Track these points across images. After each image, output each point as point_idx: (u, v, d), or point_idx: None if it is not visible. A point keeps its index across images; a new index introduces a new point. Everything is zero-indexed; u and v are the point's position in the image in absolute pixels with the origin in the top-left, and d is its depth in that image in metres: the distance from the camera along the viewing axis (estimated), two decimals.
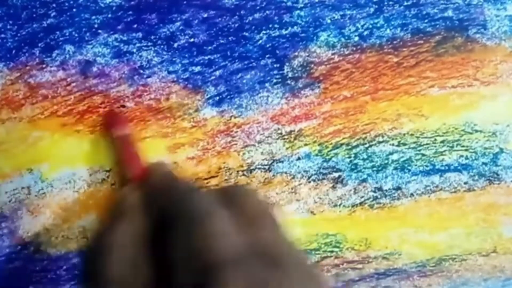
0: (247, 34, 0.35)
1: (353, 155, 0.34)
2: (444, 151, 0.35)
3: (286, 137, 0.34)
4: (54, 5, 0.34)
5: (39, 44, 0.34)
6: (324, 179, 0.34)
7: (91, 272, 0.25)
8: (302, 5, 0.35)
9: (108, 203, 0.31)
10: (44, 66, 0.34)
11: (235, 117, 0.34)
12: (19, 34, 0.34)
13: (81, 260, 0.32)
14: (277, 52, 0.35)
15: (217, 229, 0.22)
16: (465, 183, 0.35)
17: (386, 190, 0.35)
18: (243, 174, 0.34)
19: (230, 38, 0.35)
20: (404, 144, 0.35)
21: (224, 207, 0.24)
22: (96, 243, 0.26)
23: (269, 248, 0.22)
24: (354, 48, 0.35)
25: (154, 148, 0.34)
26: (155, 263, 0.24)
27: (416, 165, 0.35)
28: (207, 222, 0.23)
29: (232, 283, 0.19)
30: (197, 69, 0.35)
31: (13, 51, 0.34)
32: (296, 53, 0.35)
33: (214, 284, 0.20)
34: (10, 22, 0.34)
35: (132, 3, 0.35)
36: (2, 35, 0.34)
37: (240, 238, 0.22)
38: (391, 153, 0.35)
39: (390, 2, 0.35)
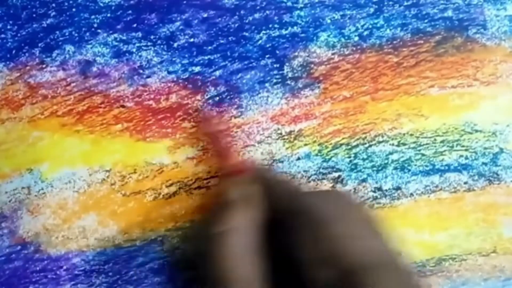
0: (247, 34, 0.35)
1: (353, 155, 0.34)
2: (444, 151, 0.35)
3: (286, 137, 0.34)
4: (54, 5, 0.34)
5: (39, 44, 0.34)
6: (324, 179, 0.34)
7: (204, 259, 0.25)
8: (302, 5, 0.35)
9: (209, 196, 0.32)
10: (44, 66, 0.34)
11: (235, 117, 0.34)
12: (19, 34, 0.34)
13: (185, 250, 0.32)
14: (277, 52, 0.35)
15: (348, 233, 0.23)
16: (465, 183, 0.35)
17: (386, 190, 0.35)
18: None
19: (230, 38, 0.35)
20: (404, 144, 0.35)
21: (339, 209, 0.25)
22: (207, 231, 0.26)
23: (390, 255, 0.24)
24: (354, 48, 0.35)
25: (154, 148, 0.34)
26: (266, 256, 0.24)
27: (416, 165, 0.35)
28: (337, 225, 0.23)
29: (380, 286, 0.21)
30: (197, 69, 0.35)
31: (13, 51, 0.34)
32: (296, 53, 0.35)
33: (357, 285, 0.21)
34: (10, 22, 0.34)
35: (132, 2, 0.35)
36: (2, 35, 0.34)
37: (366, 242, 0.23)
38: (391, 153, 0.35)
39: (390, 2, 0.35)
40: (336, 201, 0.26)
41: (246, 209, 0.26)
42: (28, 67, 0.34)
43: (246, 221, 0.26)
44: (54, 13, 0.34)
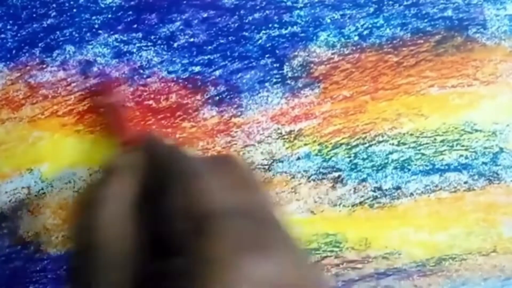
0: (247, 34, 0.35)
1: (353, 155, 0.34)
2: (444, 150, 0.35)
3: (286, 137, 0.34)
4: (54, 5, 0.34)
5: (40, 44, 0.34)
6: (324, 178, 0.34)
7: (81, 224, 0.25)
8: (301, 5, 0.35)
9: (100, 165, 0.32)
10: (44, 66, 0.34)
11: (235, 117, 0.34)
12: (19, 34, 0.34)
13: (72, 213, 0.32)
14: (277, 52, 0.35)
15: (210, 186, 0.23)
16: (465, 182, 0.35)
17: (386, 190, 0.35)
18: None
19: (230, 38, 0.35)
20: (404, 144, 0.35)
21: (216, 170, 0.25)
22: (87, 197, 0.26)
23: (258, 210, 0.23)
24: (354, 48, 0.35)
25: None
26: (142, 224, 0.25)
27: (416, 164, 0.35)
28: (202, 179, 0.24)
29: (222, 233, 0.20)
30: (197, 69, 0.35)
31: (14, 51, 0.34)
32: (296, 53, 0.35)
33: (205, 232, 0.21)
34: (11, 22, 0.34)
35: (132, 3, 0.35)
36: (3, 35, 0.34)
37: (231, 196, 0.23)
38: (391, 153, 0.35)
39: (390, 2, 0.35)
40: (212, 160, 0.27)
41: (124, 176, 0.27)
42: (28, 67, 0.34)
43: (122, 188, 0.26)
44: (54, 13, 0.34)
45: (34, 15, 0.34)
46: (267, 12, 0.35)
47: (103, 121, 0.33)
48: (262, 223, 0.22)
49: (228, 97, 0.34)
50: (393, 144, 0.35)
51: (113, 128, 0.33)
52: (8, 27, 0.34)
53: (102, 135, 0.34)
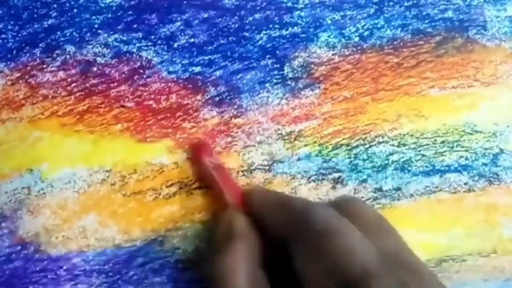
0: (247, 34, 0.35)
1: (353, 156, 0.34)
2: (444, 151, 0.35)
3: (286, 137, 0.34)
4: (54, 5, 0.34)
5: (40, 45, 0.34)
6: (324, 179, 0.34)
7: None
8: (302, 6, 0.35)
9: (212, 229, 0.32)
10: (44, 66, 0.34)
11: (235, 118, 0.34)
12: (19, 35, 0.34)
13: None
14: (277, 52, 0.35)
15: (352, 242, 0.22)
16: (465, 183, 0.35)
17: (386, 191, 0.35)
18: (243, 175, 0.34)
19: (230, 38, 0.35)
20: (404, 145, 0.35)
21: (344, 219, 0.24)
22: (214, 269, 0.26)
23: (399, 256, 0.23)
24: (355, 49, 0.35)
25: (154, 148, 0.34)
26: (274, 283, 0.24)
27: (416, 165, 0.35)
28: (340, 236, 0.23)
29: None
30: (197, 69, 0.35)
31: (14, 52, 0.34)
32: (296, 54, 0.35)
33: None
34: (11, 22, 0.34)
35: (132, 3, 0.35)
36: (3, 36, 0.34)
37: (372, 248, 0.22)
38: (391, 154, 0.35)
39: (391, 3, 0.35)
40: (339, 210, 0.26)
41: (250, 240, 0.27)
42: (28, 67, 0.34)
43: (251, 253, 0.26)
44: (55, 13, 0.34)
45: (35, 16, 0.34)
46: (268, 12, 0.35)
47: (210, 183, 0.33)
48: (410, 270, 0.22)
49: (229, 97, 0.34)
50: (393, 145, 0.35)
51: (221, 189, 0.32)
52: (9, 27, 0.34)
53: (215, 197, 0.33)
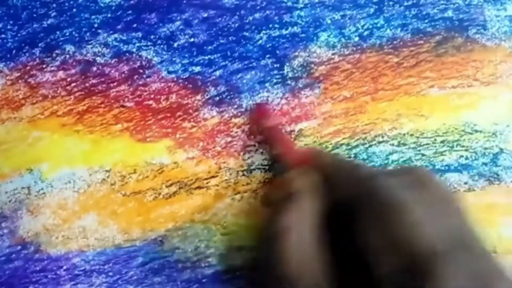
0: (247, 34, 0.35)
1: (353, 155, 0.34)
2: (444, 151, 0.35)
3: None
4: (54, 5, 0.34)
5: (39, 44, 0.34)
6: None
7: (267, 257, 0.25)
8: (302, 5, 0.35)
9: (271, 189, 0.32)
10: (44, 66, 0.34)
11: (235, 117, 0.34)
12: (19, 34, 0.34)
13: (255, 247, 0.31)
14: (277, 52, 0.35)
15: (420, 218, 0.22)
16: (465, 183, 0.35)
17: None
18: (243, 174, 0.34)
19: (230, 38, 0.35)
20: (404, 144, 0.35)
21: (412, 191, 0.23)
22: (269, 228, 0.25)
23: (466, 238, 0.22)
24: (354, 48, 0.35)
25: (154, 148, 0.34)
26: (330, 248, 0.24)
27: (416, 165, 0.35)
28: (408, 209, 0.22)
29: (450, 275, 0.19)
30: (197, 69, 0.35)
31: (14, 51, 0.34)
32: (296, 53, 0.35)
33: (429, 275, 0.20)
34: (11, 22, 0.34)
35: (132, 2, 0.35)
36: (3, 35, 0.34)
37: (440, 224, 0.22)
38: (391, 153, 0.35)
39: (390, 3, 0.35)
40: (407, 181, 0.25)
41: (304, 201, 0.26)
42: (28, 67, 0.34)
43: (310, 213, 0.25)
44: (54, 13, 0.34)
45: (35, 15, 0.34)
46: (268, 12, 0.35)
47: (268, 144, 0.33)
48: (479, 255, 0.21)
49: (228, 97, 0.34)
50: (393, 144, 0.35)
51: (279, 150, 0.32)
52: (9, 27, 0.34)
53: (275, 158, 0.33)
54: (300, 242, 0.24)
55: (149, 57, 0.34)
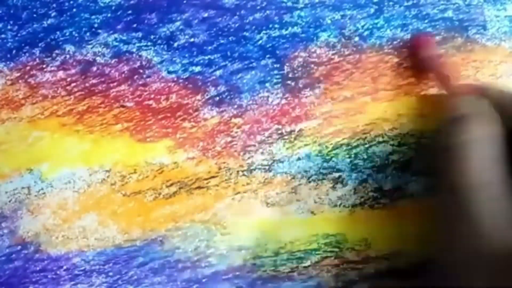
0: (247, 34, 0.35)
1: (353, 155, 0.34)
2: None
3: (286, 137, 0.34)
4: (54, 5, 0.34)
5: (40, 44, 0.34)
6: (324, 179, 0.34)
7: (443, 165, 0.25)
8: (302, 5, 0.35)
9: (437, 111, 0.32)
10: (44, 66, 0.34)
11: (235, 117, 0.34)
12: (19, 34, 0.34)
13: (430, 155, 0.32)
14: (277, 52, 0.35)
15: None
16: None
17: (386, 190, 0.35)
18: (243, 174, 0.34)
19: (230, 38, 0.35)
20: (405, 145, 0.35)
21: None
22: (446, 143, 0.26)
23: None
24: (354, 49, 0.35)
25: (154, 148, 0.34)
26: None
27: (416, 165, 0.35)
28: None
29: None
30: (197, 69, 0.35)
31: (13, 51, 0.34)
32: (296, 53, 0.35)
33: None
34: (11, 22, 0.34)
35: (132, 2, 0.35)
36: (3, 35, 0.34)
37: None
38: (391, 153, 0.35)
39: (390, 3, 0.35)
40: None
41: (482, 122, 0.26)
42: (28, 67, 0.34)
43: (485, 133, 0.25)
44: (54, 13, 0.34)
45: (35, 15, 0.34)
46: (268, 12, 0.35)
47: (428, 74, 0.34)
48: None
49: (229, 97, 0.34)
50: (393, 144, 0.35)
51: (440, 79, 0.33)
52: (9, 27, 0.34)
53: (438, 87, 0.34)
54: (480, 154, 0.24)
55: (149, 57, 0.34)
